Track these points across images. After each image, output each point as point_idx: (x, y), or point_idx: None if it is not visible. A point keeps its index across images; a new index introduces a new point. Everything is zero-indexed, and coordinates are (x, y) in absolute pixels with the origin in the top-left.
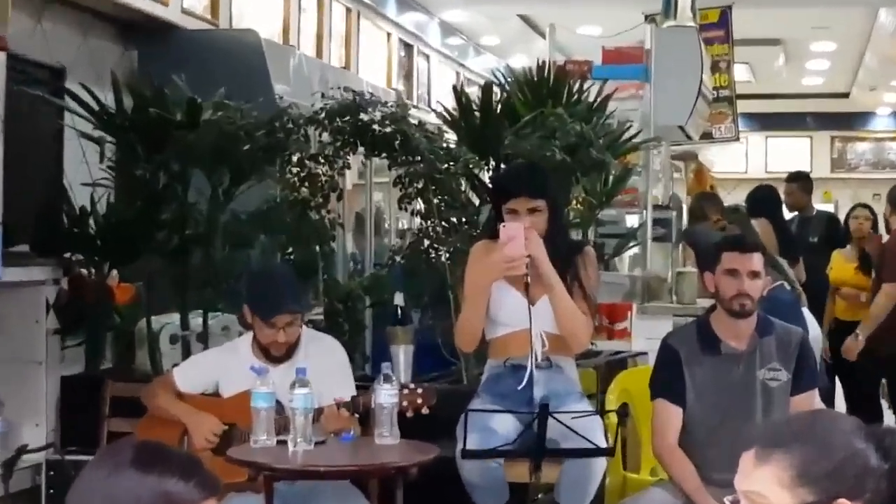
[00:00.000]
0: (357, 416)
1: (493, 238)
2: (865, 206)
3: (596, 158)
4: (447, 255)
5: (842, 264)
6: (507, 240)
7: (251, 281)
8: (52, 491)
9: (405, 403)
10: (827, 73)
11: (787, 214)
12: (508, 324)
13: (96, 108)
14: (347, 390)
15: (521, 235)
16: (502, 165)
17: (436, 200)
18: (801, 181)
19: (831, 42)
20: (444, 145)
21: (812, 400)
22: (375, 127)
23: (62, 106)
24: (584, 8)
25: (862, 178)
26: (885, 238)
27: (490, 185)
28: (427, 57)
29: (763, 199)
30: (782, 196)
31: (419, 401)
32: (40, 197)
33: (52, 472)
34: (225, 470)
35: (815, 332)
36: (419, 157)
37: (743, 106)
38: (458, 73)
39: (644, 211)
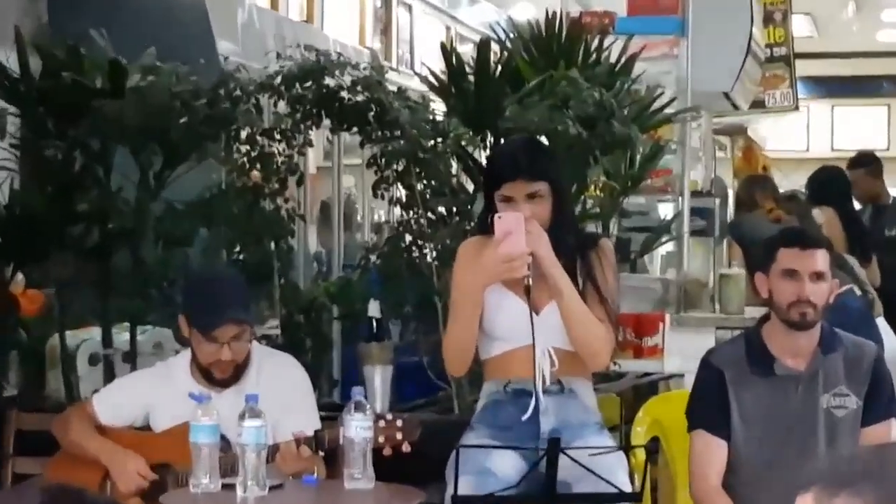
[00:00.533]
0: (322, 454)
1: (486, 233)
2: None
3: (619, 133)
4: (434, 253)
5: None
6: (503, 234)
7: (189, 286)
8: None
9: (382, 438)
10: None
11: (858, 204)
12: (508, 338)
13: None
14: (310, 422)
15: (520, 228)
16: (502, 142)
17: (420, 186)
18: (868, 165)
19: None
20: (431, 117)
21: (889, 431)
22: (344, 95)
23: None
24: None
25: None
26: None
27: (487, 163)
28: (409, 7)
29: (828, 183)
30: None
31: (399, 435)
32: None
33: None
34: None
35: (893, 347)
36: (399, 133)
37: (803, 67)
38: (447, 28)
39: (680, 198)
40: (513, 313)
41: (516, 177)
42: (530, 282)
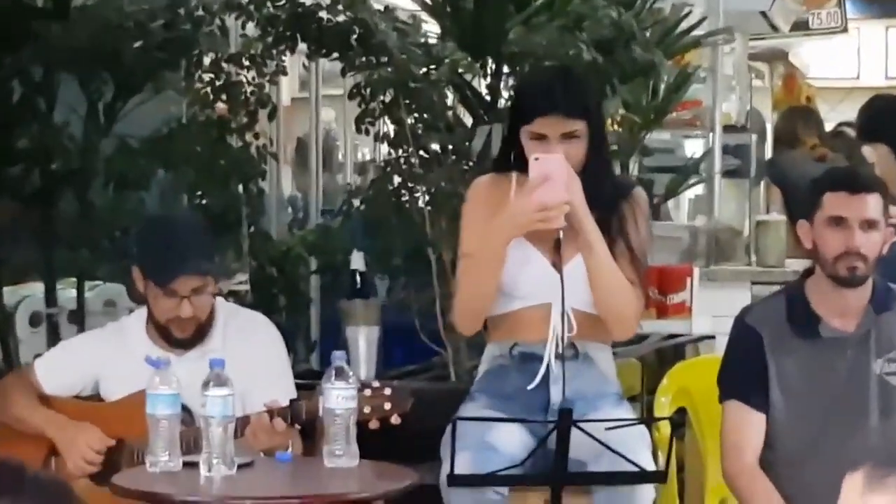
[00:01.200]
0: (298, 427)
1: (502, 172)
2: None
3: (641, 59)
4: (427, 197)
5: None
6: (541, 178)
7: (144, 234)
8: None
9: (367, 410)
10: None
11: None
12: (526, 296)
13: None
14: (284, 391)
15: (561, 173)
16: (505, 70)
17: (410, 120)
18: None
19: None
20: (422, 41)
21: None
22: (323, 15)
23: None
24: None
25: None
26: None
27: (488, 100)
28: None
29: (882, 115)
30: None
31: (387, 405)
32: None
33: None
34: (110, 503)
35: None
36: (386, 58)
37: None
38: None
39: (710, 134)
40: (532, 269)
41: (554, 111)
42: (562, 235)
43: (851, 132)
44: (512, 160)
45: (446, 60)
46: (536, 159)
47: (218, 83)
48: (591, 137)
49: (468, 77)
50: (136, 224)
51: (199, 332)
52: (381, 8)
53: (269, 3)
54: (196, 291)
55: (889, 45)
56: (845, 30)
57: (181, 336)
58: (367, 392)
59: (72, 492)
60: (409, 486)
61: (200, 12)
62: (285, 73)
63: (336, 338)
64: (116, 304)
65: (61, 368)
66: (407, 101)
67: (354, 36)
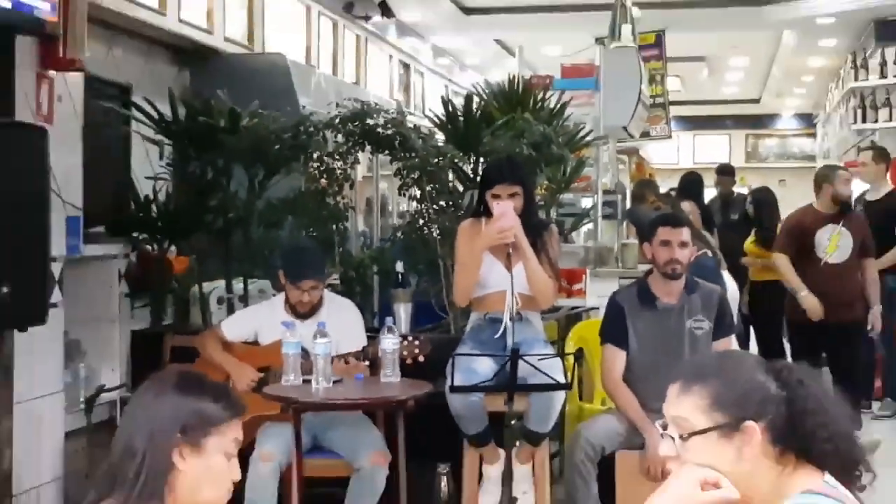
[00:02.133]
0: (367, 362)
1: (477, 217)
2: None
3: (556, 153)
4: (437, 231)
5: (749, 238)
6: (500, 215)
7: (285, 252)
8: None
9: (405, 353)
10: (741, 83)
11: (707, 197)
12: (490, 286)
13: (156, 117)
14: (360, 341)
15: (510, 212)
16: (481, 160)
17: (428, 188)
18: (728, 174)
19: (745, 58)
20: (435, 144)
21: (729, 344)
22: (380, 130)
23: (129, 116)
24: (547, 33)
25: (770, 167)
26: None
27: (471, 176)
28: (421, 74)
29: (690, 184)
30: (712, 183)
31: (416, 350)
32: (113, 188)
33: (123, 407)
34: (262, 404)
35: (732, 290)
36: (415, 154)
37: (674, 110)
38: (446, 87)
39: (595, 195)
40: (495, 270)
41: (503, 181)
42: (510, 249)
43: (673, 193)
44: (482, 210)
45: (448, 155)
46: (497, 204)
47: (321, 168)
48: (525, 196)
49: (460, 164)
50: (277, 248)
51: (313, 309)
52: (412, 126)
53: (350, 124)
54: (313, 288)
55: (695, 145)
56: (670, 136)
57: (303, 311)
58: (405, 342)
59: (229, 388)
60: (428, 392)
61: (312, 129)
62: (359, 162)
63: (387, 310)
64: (266, 291)
65: (236, 326)
66: (426, 178)
67: (397, 141)
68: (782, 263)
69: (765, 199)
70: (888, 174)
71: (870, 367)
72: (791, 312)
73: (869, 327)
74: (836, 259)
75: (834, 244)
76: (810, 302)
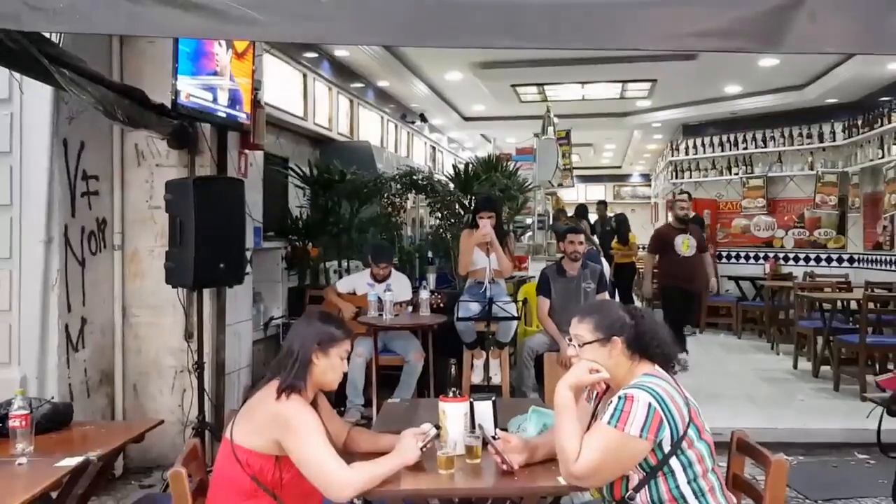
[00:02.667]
0: (411, 307)
1: (471, 228)
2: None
3: (513, 195)
4: (449, 236)
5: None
6: (483, 227)
7: (373, 247)
8: (283, 338)
9: (431, 301)
10: (611, 157)
11: (592, 218)
12: (477, 265)
13: (301, 174)
14: (408, 295)
15: (489, 226)
16: (473, 198)
17: (445, 213)
18: (603, 206)
19: (613, 144)
20: (449, 189)
21: (605, 296)
22: (420, 181)
23: (287, 174)
24: (508, 131)
25: (626, 202)
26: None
27: (468, 206)
28: (442, 152)
29: (582, 210)
30: (592, 209)
31: (440, 301)
32: (278, 212)
33: (285, 328)
34: (357, 326)
35: (606, 268)
36: (438, 194)
37: (576, 172)
38: (454, 158)
39: (533, 216)
40: (480, 256)
41: (485, 209)
42: (488, 246)
43: (575, 215)
44: (473, 224)
45: (456, 195)
46: (482, 222)
47: (388, 202)
48: (497, 218)
49: (462, 200)
50: (365, 245)
51: (385, 278)
52: (437, 180)
53: (403, 178)
54: (385, 267)
55: (586, 191)
56: (573, 185)
57: (379, 279)
58: (434, 295)
59: (345, 321)
60: (444, 321)
61: (383, 181)
62: (408, 199)
63: (423, 277)
64: (359, 267)
65: (344, 284)
66: (444, 207)
67: (429, 188)
68: (647, 260)
69: (622, 220)
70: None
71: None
72: (662, 287)
73: (711, 291)
74: (688, 254)
75: (686, 245)
76: (647, 287)
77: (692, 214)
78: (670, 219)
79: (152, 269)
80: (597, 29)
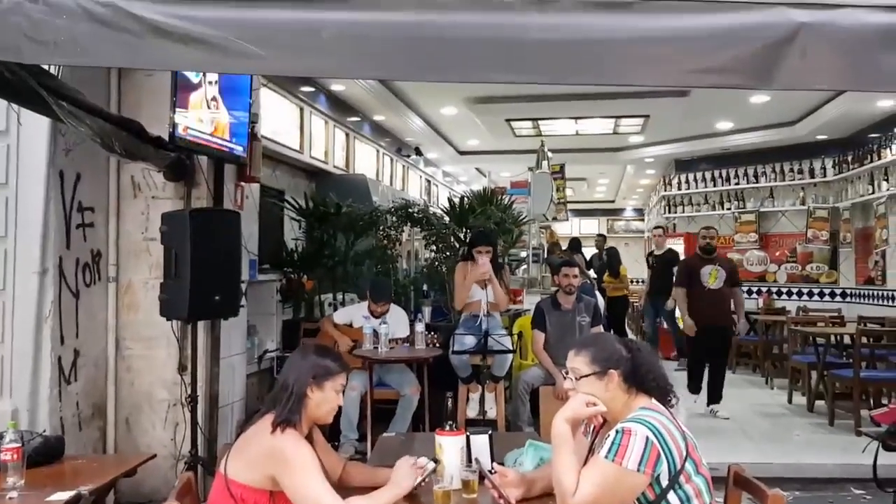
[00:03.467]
0: (408, 343)
1: (466, 261)
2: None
3: (508, 228)
4: (445, 268)
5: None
6: (482, 264)
7: (373, 284)
8: (278, 371)
9: (428, 340)
10: (605, 192)
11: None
12: (474, 298)
13: (297, 207)
14: (406, 332)
15: (487, 263)
16: (468, 231)
17: (440, 245)
18: (602, 238)
19: (607, 179)
20: (444, 222)
21: (599, 329)
22: (415, 214)
23: (283, 206)
24: (503, 164)
25: (619, 236)
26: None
27: (463, 239)
28: (437, 185)
29: (576, 244)
30: (591, 243)
31: (435, 340)
32: (274, 244)
33: (279, 362)
34: (352, 360)
35: (600, 301)
36: (433, 227)
37: (570, 206)
38: (449, 192)
39: (528, 250)
40: (476, 289)
41: (482, 244)
42: (486, 280)
43: (568, 249)
44: (469, 257)
45: (451, 228)
46: (480, 258)
47: (384, 235)
48: (493, 252)
49: (457, 233)
50: (361, 277)
51: (383, 313)
52: (433, 213)
53: (399, 211)
54: (383, 304)
55: (580, 224)
56: (567, 219)
57: (377, 313)
58: (428, 335)
59: (340, 354)
60: (441, 354)
61: (379, 214)
62: (404, 231)
63: (419, 311)
64: (354, 300)
65: (340, 316)
66: (439, 240)
67: (424, 221)
68: (678, 295)
69: (612, 253)
70: (666, 240)
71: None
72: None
73: (736, 332)
74: (715, 286)
75: (713, 277)
76: (687, 324)
77: (712, 247)
78: (697, 249)
79: (146, 302)
80: (596, 64)
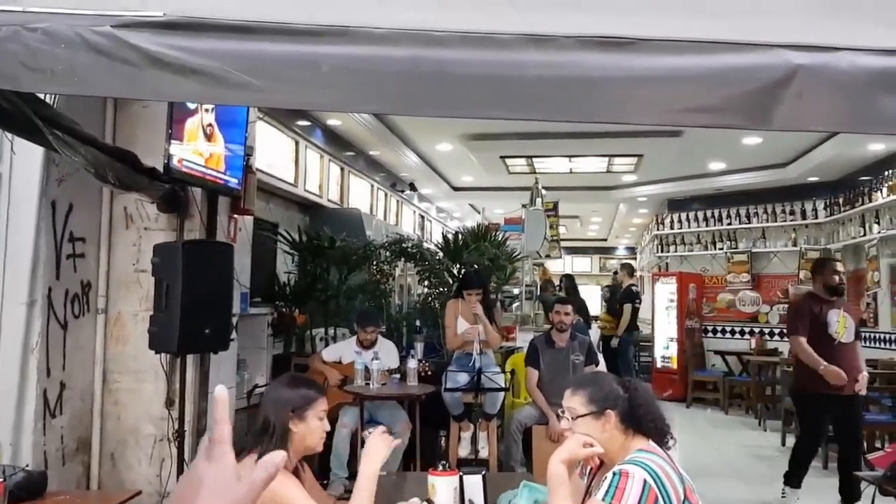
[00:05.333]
0: (399, 375)
1: (456, 298)
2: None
3: (502, 264)
4: (438, 304)
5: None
6: (471, 329)
7: (359, 312)
8: None
9: (421, 370)
10: (597, 230)
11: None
12: (466, 336)
13: (291, 240)
14: (395, 363)
15: (475, 328)
16: (462, 267)
17: (433, 280)
18: (570, 278)
19: (599, 217)
20: (438, 258)
21: (594, 369)
22: (409, 249)
23: (276, 239)
24: (497, 201)
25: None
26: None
27: (456, 275)
28: (431, 221)
29: (570, 281)
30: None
31: (428, 369)
32: (266, 277)
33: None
34: (342, 396)
35: (595, 339)
36: (427, 262)
37: (563, 243)
38: (443, 227)
39: (521, 286)
40: (469, 329)
41: (472, 287)
42: (478, 318)
43: (561, 287)
44: (459, 294)
45: (445, 263)
46: (469, 297)
47: (377, 269)
48: (484, 292)
49: (451, 269)
50: (353, 312)
51: (371, 345)
52: (427, 248)
53: (392, 246)
54: (372, 333)
55: (573, 262)
56: (560, 257)
57: (366, 345)
58: (419, 364)
59: (316, 382)
60: (432, 391)
61: (372, 248)
62: (397, 266)
63: (411, 346)
64: (346, 335)
65: (330, 352)
66: (432, 276)
67: (418, 256)
68: (799, 347)
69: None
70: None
71: None
72: (798, 392)
73: (858, 391)
74: (846, 340)
75: (842, 326)
76: (834, 374)
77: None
78: (815, 287)
79: (135, 334)
80: (593, 102)
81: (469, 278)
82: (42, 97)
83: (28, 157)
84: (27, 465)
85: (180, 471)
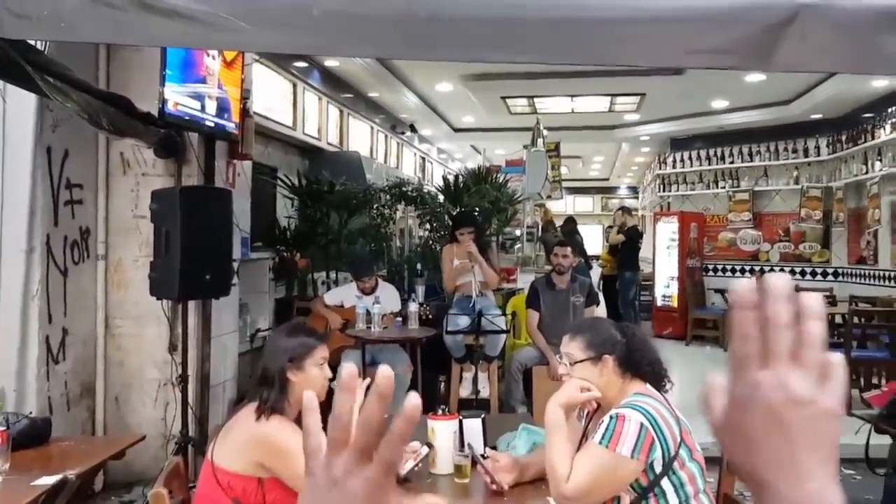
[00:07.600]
0: (401, 318)
1: (452, 243)
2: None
3: (503, 206)
4: (438, 247)
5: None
6: (464, 244)
7: (351, 261)
8: None
9: (421, 312)
10: (600, 169)
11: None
12: (465, 277)
13: (290, 184)
14: (397, 307)
15: (470, 241)
16: (462, 209)
17: (434, 224)
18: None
19: (602, 157)
20: (438, 201)
21: (594, 311)
22: (409, 192)
23: (275, 183)
24: (498, 142)
25: (612, 214)
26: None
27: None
28: (432, 163)
29: (567, 225)
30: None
31: (429, 313)
32: (266, 222)
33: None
34: (345, 339)
35: (595, 280)
36: (427, 206)
37: (565, 184)
38: (444, 169)
39: (522, 228)
40: (466, 269)
41: (464, 226)
42: (472, 259)
43: (562, 229)
44: (453, 239)
45: (445, 206)
46: (462, 236)
47: (377, 213)
48: (476, 232)
49: (451, 211)
50: (354, 255)
51: (372, 290)
52: (427, 191)
53: (393, 189)
54: (369, 280)
55: (574, 202)
56: (562, 197)
57: (366, 290)
58: (422, 307)
59: (316, 330)
60: (435, 334)
61: (373, 192)
62: (398, 210)
63: (412, 289)
64: (347, 278)
65: (331, 296)
66: (433, 219)
67: (419, 199)
68: None
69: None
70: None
71: None
72: None
73: None
74: None
75: None
76: None
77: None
78: None
79: (136, 280)
80: (593, 44)
81: (460, 217)
82: (33, 44)
83: (20, 103)
84: (31, 413)
85: (184, 414)
